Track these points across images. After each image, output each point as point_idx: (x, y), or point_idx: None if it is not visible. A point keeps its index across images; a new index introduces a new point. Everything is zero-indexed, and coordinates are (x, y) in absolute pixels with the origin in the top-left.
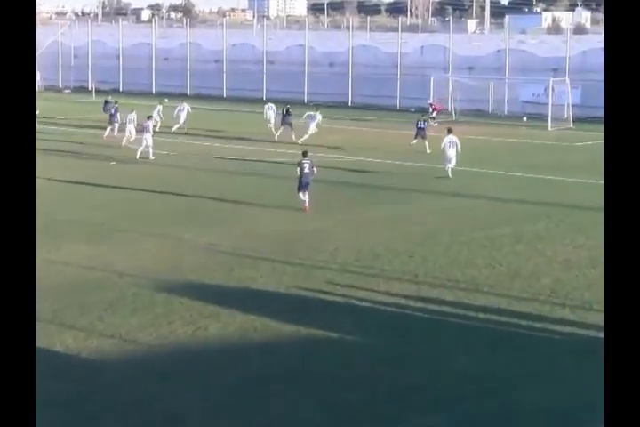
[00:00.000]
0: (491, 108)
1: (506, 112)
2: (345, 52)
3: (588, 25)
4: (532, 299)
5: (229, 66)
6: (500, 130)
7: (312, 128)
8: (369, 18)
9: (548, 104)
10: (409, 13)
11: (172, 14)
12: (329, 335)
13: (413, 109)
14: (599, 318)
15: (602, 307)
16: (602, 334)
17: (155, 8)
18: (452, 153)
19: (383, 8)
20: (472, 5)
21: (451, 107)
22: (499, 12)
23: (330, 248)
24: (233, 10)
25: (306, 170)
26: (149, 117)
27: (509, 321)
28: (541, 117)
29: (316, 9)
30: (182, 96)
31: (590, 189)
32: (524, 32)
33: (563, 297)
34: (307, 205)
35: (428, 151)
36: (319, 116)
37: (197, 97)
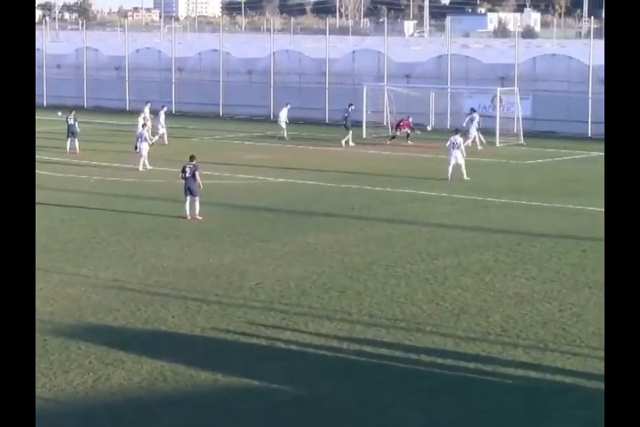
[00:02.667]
0: (432, 122)
1: (448, 126)
2: (265, 59)
3: (537, 28)
4: (481, 339)
5: (132, 74)
6: (442, 146)
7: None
8: (292, 19)
9: (495, 117)
10: (338, 14)
11: (66, 15)
12: (251, 384)
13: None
14: (555, 359)
15: (558, 346)
16: (558, 377)
17: (45, 8)
18: (456, 154)
19: (308, 8)
20: (409, 5)
21: (386, 121)
22: (439, 13)
23: (251, 283)
24: (136, 9)
25: (187, 174)
26: (144, 125)
27: (456, 364)
28: (488, 132)
29: (231, 9)
30: (78, 109)
31: (544, 214)
32: (467, 35)
33: (514, 336)
34: (190, 213)
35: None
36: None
37: (96, 110)
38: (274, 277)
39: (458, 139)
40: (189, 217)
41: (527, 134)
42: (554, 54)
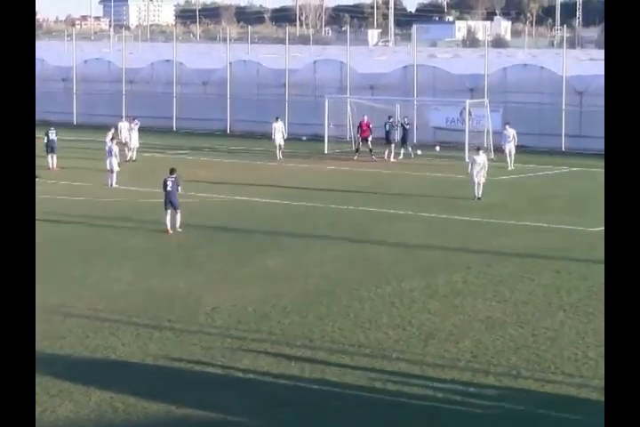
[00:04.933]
0: (397, 137)
1: (415, 140)
2: (221, 69)
3: (508, 37)
4: (450, 365)
5: (80, 86)
6: (408, 162)
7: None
8: (250, 28)
9: (464, 131)
10: (298, 22)
11: None
12: (207, 416)
13: (305, 138)
14: (529, 387)
15: (531, 373)
16: (531, 406)
17: None
18: (477, 174)
19: (267, 16)
20: (373, 13)
21: (349, 135)
22: (405, 21)
23: (207, 308)
24: (84, 18)
25: (168, 188)
26: (112, 139)
27: (423, 393)
28: (457, 147)
29: (185, 17)
30: None
31: (515, 233)
32: (434, 44)
33: (485, 363)
34: (177, 226)
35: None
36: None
37: (42, 123)
38: (231, 301)
39: (478, 157)
40: (171, 231)
41: (498, 149)
42: (525, 64)
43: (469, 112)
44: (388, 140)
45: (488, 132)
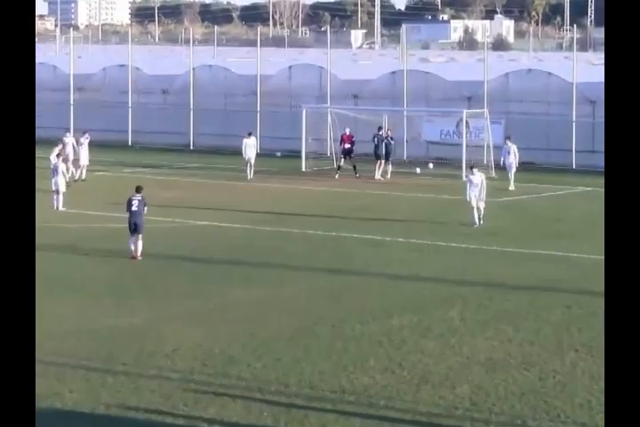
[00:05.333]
0: (383, 152)
1: (405, 157)
2: (184, 75)
3: (510, 38)
4: (446, 414)
5: None
6: (397, 181)
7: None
8: (216, 28)
9: (461, 146)
10: (271, 22)
11: None
12: None
13: (279, 154)
14: None
15: (538, 422)
16: None
17: None
18: (474, 197)
19: (236, 15)
20: (357, 11)
21: (330, 150)
22: (393, 21)
23: (167, 349)
24: None
25: (134, 208)
26: (58, 155)
27: None
28: (452, 164)
29: (142, 15)
30: None
31: (520, 262)
32: (427, 47)
33: (486, 411)
34: (138, 253)
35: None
36: None
37: None
38: (195, 340)
39: (475, 177)
40: (140, 257)
41: (500, 166)
42: (530, 69)
43: (467, 124)
44: (376, 155)
45: (488, 146)
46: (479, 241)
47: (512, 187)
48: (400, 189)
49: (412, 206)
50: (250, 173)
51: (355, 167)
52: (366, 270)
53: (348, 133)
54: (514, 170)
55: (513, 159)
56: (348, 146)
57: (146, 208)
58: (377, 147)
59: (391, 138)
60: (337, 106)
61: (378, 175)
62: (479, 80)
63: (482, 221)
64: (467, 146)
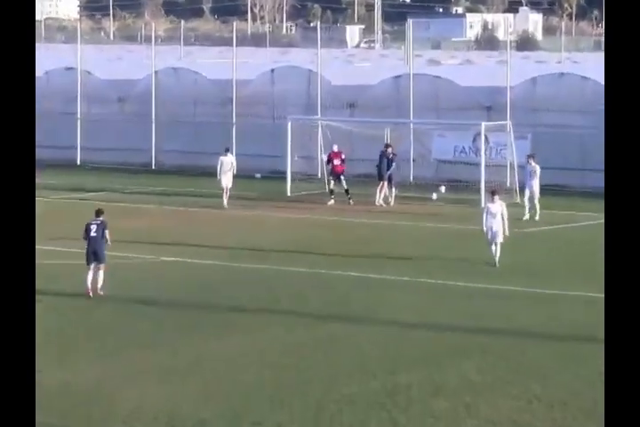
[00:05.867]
0: (386, 172)
1: (412, 178)
2: (144, 81)
3: (538, 35)
4: None
5: None
6: (402, 208)
7: None
8: (183, 23)
9: (478, 165)
10: (250, 16)
11: None
12: None
13: (259, 175)
14: None
15: None
16: None
17: None
18: (494, 226)
19: (207, 7)
20: (353, 3)
21: (321, 171)
22: (397, 14)
23: (123, 413)
24: None
25: (92, 233)
26: None
27: None
28: (469, 187)
29: (94, 8)
30: None
31: (550, 305)
32: (437, 46)
33: None
34: (98, 286)
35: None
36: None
37: None
38: (157, 402)
39: (494, 206)
40: (91, 293)
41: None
42: (562, 73)
43: (486, 139)
44: (380, 176)
45: (512, 166)
46: (500, 280)
47: (537, 216)
48: (405, 218)
49: (419, 239)
50: (226, 200)
51: (347, 191)
52: (365, 316)
53: (335, 150)
54: (538, 195)
55: (536, 182)
56: (337, 164)
57: (107, 233)
58: (380, 166)
59: (393, 154)
60: (329, 117)
61: (379, 200)
62: (500, 86)
63: (498, 264)
64: (486, 165)
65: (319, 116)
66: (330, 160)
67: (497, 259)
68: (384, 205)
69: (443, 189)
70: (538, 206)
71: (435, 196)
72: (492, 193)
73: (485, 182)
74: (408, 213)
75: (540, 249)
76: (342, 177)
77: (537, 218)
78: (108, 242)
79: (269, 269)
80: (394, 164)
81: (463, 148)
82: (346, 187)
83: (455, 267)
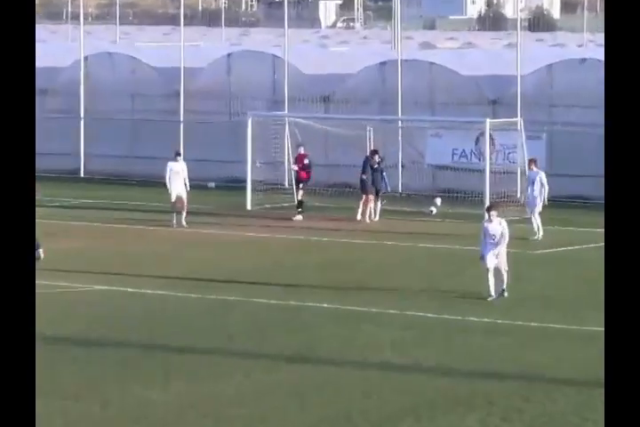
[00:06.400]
0: (374, 185)
1: (400, 188)
2: (71, 69)
3: (555, 13)
4: None
5: None
6: (389, 225)
7: None
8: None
9: (482, 172)
10: None
11: None
12: None
13: (213, 185)
14: None
15: None
16: None
17: None
18: (491, 254)
19: None
20: None
21: (289, 179)
22: None
23: None
24: None
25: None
26: None
27: None
28: (470, 199)
29: None
30: None
31: (568, 343)
32: (432, 26)
33: None
34: None
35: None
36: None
37: None
38: None
39: (492, 226)
40: None
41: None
42: (584, 59)
43: (492, 140)
44: (363, 188)
45: (523, 173)
46: (506, 314)
47: (539, 234)
48: (391, 237)
49: (408, 262)
50: (176, 215)
51: (300, 204)
52: (339, 356)
53: (302, 152)
54: (539, 208)
55: (539, 193)
56: (297, 169)
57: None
58: (364, 178)
59: (381, 160)
60: (299, 113)
61: (361, 215)
62: (509, 75)
63: (506, 293)
64: (491, 172)
65: (286, 112)
66: (298, 165)
67: (499, 291)
68: (368, 220)
69: (438, 201)
70: (539, 221)
71: (433, 210)
72: (487, 209)
73: (491, 193)
74: (394, 230)
75: (552, 274)
76: (299, 185)
77: (539, 236)
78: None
79: (223, 301)
80: (384, 174)
81: (464, 151)
82: (300, 198)
83: (449, 297)
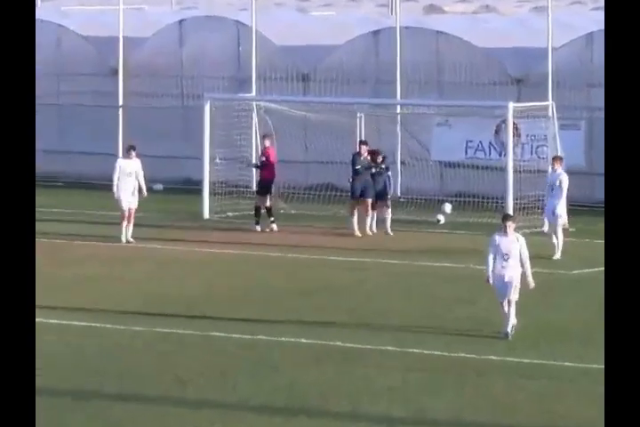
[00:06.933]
0: (362, 183)
1: (399, 191)
2: None
3: None
4: None
5: None
6: (386, 238)
7: None
8: None
9: (503, 171)
10: None
11: None
12: None
13: (161, 187)
14: None
15: None
16: None
17: None
18: (507, 274)
19: None
20: None
21: (256, 178)
22: None
23: None
24: None
25: None
26: None
27: None
28: (488, 204)
29: None
30: None
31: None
32: None
33: None
34: None
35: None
36: None
37: None
38: None
39: (506, 241)
40: None
41: (578, 207)
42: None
43: (516, 130)
44: (354, 192)
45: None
46: (535, 351)
47: (558, 253)
48: (388, 254)
49: (410, 286)
50: (125, 227)
51: (269, 211)
52: (326, 408)
53: (268, 145)
54: (563, 221)
55: (559, 197)
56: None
57: None
58: (355, 178)
59: (386, 168)
60: (270, 96)
61: (360, 229)
62: (538, 47)
63: (511, 330)
64: (515, 171)
65: (254, 94)
66: (265, 160)
67: (509, 327)
68: (370, 233)
69: (448, 207)
70: (560, 237)
71: (441, 218)
72: (503, 219)
73: (515, 198)
74: (392, 245)
75: (585, 303)
76: (264, 188)
77: (557, 255)
78: None
79: (176, 335)
80: (387, 176)
81: (480, 144)
82: (268, 204)
83: (462, 330)
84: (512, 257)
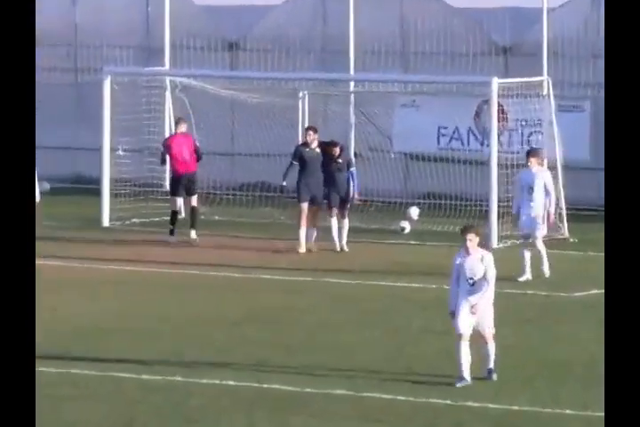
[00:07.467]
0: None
1: (351, 191)
2: None
3: None
4: None
5: None
6: (334, 252)
7: None
8: None
9: (486, 164)
10: None
11: None
12: None
13: (48, 186)
14: None
15: None
16: None
17: None
18: (466, 309)
19: None
20: None
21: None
22: None
23: None
24: None
25: None
26: None
27: None
28: (466, 208)
29: None
30: None
31: None
32: None
33: None
34: None
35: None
36: None
37: None
38: None
39: (470, 261)
40: None
41: (581, 212)
42: None
43: (502, 113)
44: (301, 196)
45: (555, 166)
46: (526, 394)
47: (547, 269)
48: (338, 273)
49: (365, 314)
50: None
51: (172, 220)
52: None
53: (183, 130)
54: (542, 232)
55: (542, 203)
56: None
57: None
58: (303, 176)
59: (347, 163)
60: (188, 70)
61: (303, 243)
62: (530, 8)
63: (494, 374)
64: (500, 164)
65: (167, 67)
66: (171, 153)
67: (492, 363)
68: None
69: (414, 212)
70: (544, 251)
71: (405, 226)
72: (462, 232)
73: (500, 199)
74: (342, 261)
75: (589, 333)
76: (193, 187)
77: (546, 273)
78: None
79: (63, 375)
80: (350, 173)
81: (456, 130)
82: (177, 207)
83: (427, 369)
84: (478, 282)
